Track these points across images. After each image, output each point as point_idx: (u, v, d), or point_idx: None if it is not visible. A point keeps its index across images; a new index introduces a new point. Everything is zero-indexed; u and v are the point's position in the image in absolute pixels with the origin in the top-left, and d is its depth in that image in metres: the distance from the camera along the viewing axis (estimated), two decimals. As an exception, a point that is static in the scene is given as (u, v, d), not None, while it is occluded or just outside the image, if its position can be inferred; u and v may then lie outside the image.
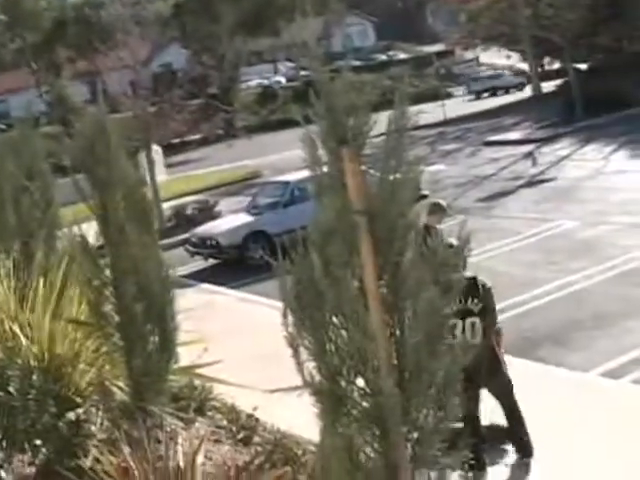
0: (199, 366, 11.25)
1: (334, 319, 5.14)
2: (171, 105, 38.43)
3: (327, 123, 5.09)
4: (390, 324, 5.14)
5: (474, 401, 9.35)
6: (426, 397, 5.12)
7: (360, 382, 5.22)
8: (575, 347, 13.45)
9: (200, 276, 23.29)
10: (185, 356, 11.33)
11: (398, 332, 5.15)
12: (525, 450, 9.75)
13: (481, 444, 9.23)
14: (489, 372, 9.48)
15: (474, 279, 9.45)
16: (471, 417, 8.88)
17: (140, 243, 8.58)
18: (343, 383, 5.15)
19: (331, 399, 5.10)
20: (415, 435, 5.20)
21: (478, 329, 9.12)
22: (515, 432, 9.86)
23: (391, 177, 5.11)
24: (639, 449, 9.46)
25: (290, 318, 5.24)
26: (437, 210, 13.55)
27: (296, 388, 5.31)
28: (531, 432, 9.70)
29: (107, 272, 8.86)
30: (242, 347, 14.38)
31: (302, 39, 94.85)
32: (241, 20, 69.05)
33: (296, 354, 5.29)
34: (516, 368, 12.56)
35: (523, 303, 15.57)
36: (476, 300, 9.26)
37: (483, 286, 9.59)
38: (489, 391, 9.80)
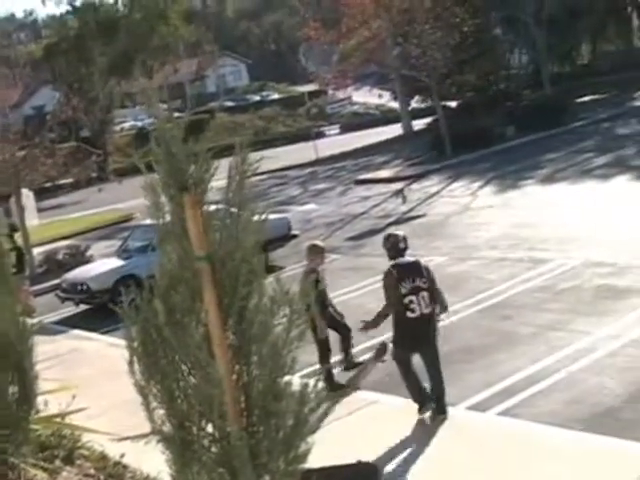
0: (65, 414, 11.10)
1: (181, 366, 5.14)
2: (41, 149, 37.82)
3: (167, 170, 5.09)
4: (236, 369, 5.16)
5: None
6: (275, 440, 5.13)
7: (209, 428, 5.21)
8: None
9: (71, 322, 22.95)
10: (54, 404, 11.19)
11: (245, 376, 5.17)
12: (443, 409, 12.06)
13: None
14: (429, 339, 12.08)
15: (417, 262, 12.17)
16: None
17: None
18: (192, 429, 5.14)
19: (180, 445, 5.09)
20: (267, 478, 5.21)
21: (427, 301, 11.91)
22: (440, 393, 12.12)
23: (233, 223, 5.14)
24: (496, 475, 9.63)
25: (137, 366, 5.22)
26: (319, 251, 14.29)
27: (144, 436, 5.28)
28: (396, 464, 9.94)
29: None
30: (112, 392, 14.16)
31: (176, 81, 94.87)
32: (113, 62, 68.76)
33: (146, 401, 5.26)
34: (384, 404, 12.80)
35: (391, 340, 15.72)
36: (423, 278, 11.92)
37: (425, 267, 12.14)
38: (423, 357, 12.16)
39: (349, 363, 14.39)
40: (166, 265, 5.15)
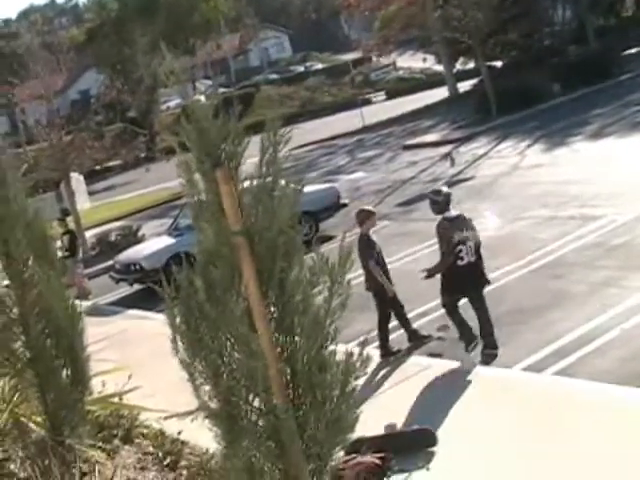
0: (122, 394, 11.20)
1: (224, 341, 5.14)
2: (88, 132, 38.13)
3: (199, 146, 5.07)
4: (279, 342, 5.16)
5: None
6: (321, 412, 5.13)
7: (256, 402, 5.22)
8: (498, 343, 13.56)
9: (127, 302, 23.17)
10: (112, 384, 11.31)
11: (288, 349, 5.16)
12: (494, 344, 13.19)
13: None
14: (475, 285, 13.27)
15: (462, 215, 13.36)
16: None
17: (44, 277, 8.51)
18: (238, 404, 5.15)
19: (227, 420, 5.10)
20: (315, 449, 5.21)
21: (473, 250, 13.02)
22: (488, 331, 13.20)
23: (268, 195, 5.12)
24: (560, 439, 9.56)
25: (180, 343, 5.23)
26: (369, 216, 14.22)
27: (191, 412, 5.30)
28: (457, 429, 9.94)
29: (14, 309, 8.79)
30: (169, 370, 14.28)
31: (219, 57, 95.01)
32: (155, 42, 68.84)
33: (191, 378, 5.28)
34: (438, 369, 12.79)
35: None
36: (469, 230, 13.06)
37: (469, 219, 13.31)
38: (470, 301, 13.38)
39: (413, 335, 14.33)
40: (203, 242, 5.15)
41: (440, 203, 13.30)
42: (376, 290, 13.86)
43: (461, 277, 13.10)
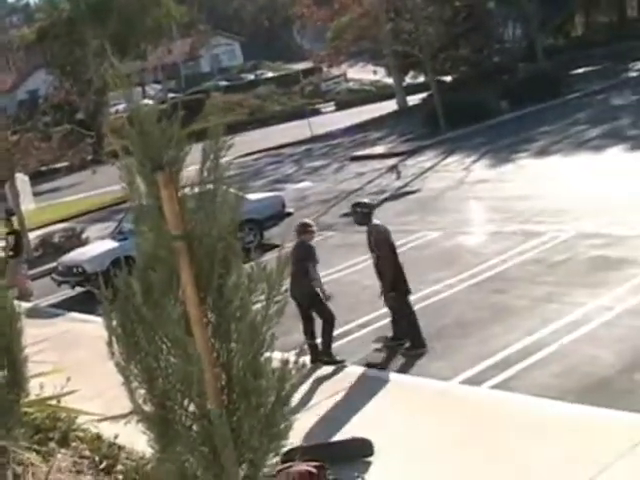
0: (59, 396, 11.12)
1: (160, 345, 5.14)
2: (35, 133, 37.76)
3: (141, 149, 5.07)
4: (216, 347, 5.16)
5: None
6: (256, 418, 5.14)
7: (190, 407, 5.22)
8: (438, 356, 13.65)
9: (68, 305, 22.99)
10: (50, 386, 11.22)
11: (224, 354, 5.17)
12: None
13: None
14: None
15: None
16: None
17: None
18: (173, 408, 5.15)
19: (161, 424, 5.09)
20: (249, 456, 5.22)
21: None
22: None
23: (209, 201, 5.12)
24: (494, 453, 9.64)
25: (116, 346, 5.22)
26: (306, 229, 14.36)
27: (125, 416, 5.29)
28: (394, 439, 10.02)
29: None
30: (107, 374, 14.19)
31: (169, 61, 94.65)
32: (106, 44, 68.42)
33: (127, 381, 5.26)
34: (382, 379, 12.85)
35: (388, 315, 15.80)
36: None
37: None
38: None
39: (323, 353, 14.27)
40: (143, 245, 5.15)
41: (368, 214, 14.03)
42: (310, 296, 13.85)
43: (404, 275, 13.86)
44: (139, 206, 5.20)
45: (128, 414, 5.26)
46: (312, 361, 13.65)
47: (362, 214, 14.14)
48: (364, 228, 14.37)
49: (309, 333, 14.05)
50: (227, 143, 5.15)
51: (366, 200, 14.77)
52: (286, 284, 5.53)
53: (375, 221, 14.13)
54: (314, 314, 14.09)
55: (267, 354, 5.24)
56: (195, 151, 5.43)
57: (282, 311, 5.28)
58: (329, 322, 13.92)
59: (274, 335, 5.28)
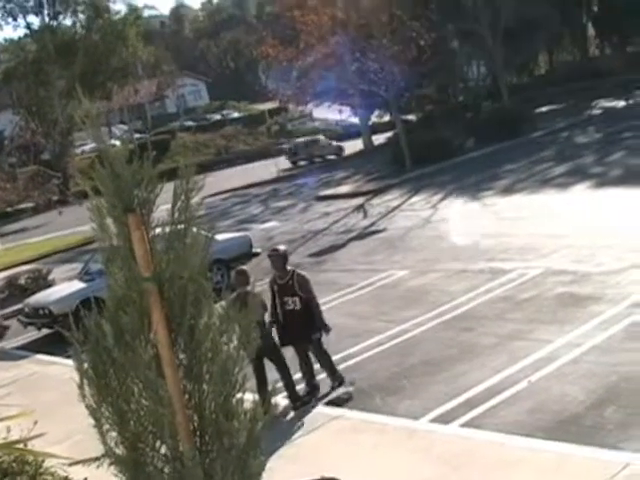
0: (27, 440, 11.00)
1: (132, 387, 5.11)
2: (1, 173, 37.70)
3: (112, 190, 5.07)
4: (188, 389, 5.15)
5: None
6: (228, 459, 5.12)
7: (162, 449, 5.19)
8: (406, 395, 13.64)
9: (34, 347, 22.81)
10: (17, 430, 11.10)
11: (196, 396, 5.15)
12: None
13: None
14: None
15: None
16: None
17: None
18: (145, 450, 5.12)
19: (133, 467, 5.06)
20: (221, 497, 5.19)
21: None
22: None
23: (179, 242, 5.12)
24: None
25: (87, 388, 5.19)
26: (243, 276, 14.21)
27: (97, 459, 5.25)
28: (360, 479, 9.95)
29: None
30: (76, 416, 14.05)
31: (135, 102, 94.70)
32: (72, 84, 68.39)
33: (98, 423, 5.23)
34: (349, 419, 12.82)
35: (356, 354, 15.82)
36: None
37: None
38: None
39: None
40: (113, 287, 5.14)
41: (285, 258, 14.41)
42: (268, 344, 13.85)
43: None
44: (110, 247, 5.20)
45: (100, 457, 5.21)
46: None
47: (285, 257, 14.47)
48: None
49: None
50: (198, 184, 5.16)
51: (281, 247, 15.01)
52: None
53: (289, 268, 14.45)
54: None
55: (239, 395, 5.23)
56: (164, 192, 5.44)
57: (254, 353, 5.28)
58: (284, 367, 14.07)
59: (245, 376, 5.27)
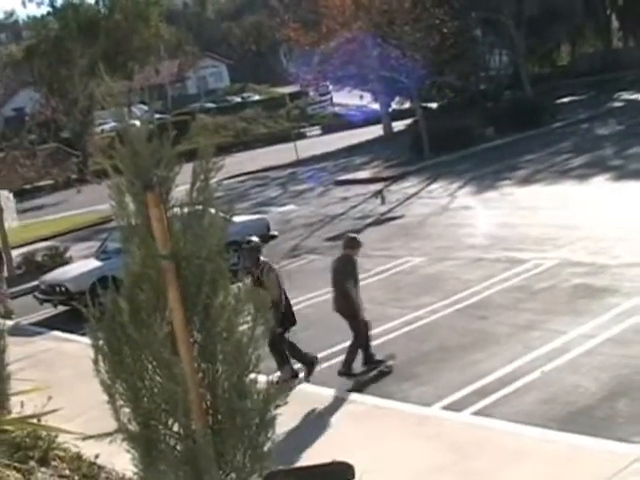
0: (40, 415, 11.07)
1: (146, 364, 5.14)
2: (20, 150, 37.72)
3: (131, 169, 5.09)
4: (201, 367, 5.17)
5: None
6: (240, 438, 5.14)
7: (175, 426, 5.22)
8: (420, 381, 13.66)
9: (50, 323, 22.90)
10: (30, 405, 11.17)
11: (210, 375, 5.18)
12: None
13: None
14: None
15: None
16: None
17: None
18: (157, 428, 5.14)
19: (145, 444, 5.09)
20: (233, 476, 5.22)
21: None
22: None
23: (197, 222, 5.14)
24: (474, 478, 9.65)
25: (102, 365, 5.22)
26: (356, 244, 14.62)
27: (109, 434, 5.28)
28: (376, 464, 9.94)
29: None
30: (90, 393, 14.13)
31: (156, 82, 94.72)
32: (93, 63, 68.41)
33: (112, 400, 5.26)
34: (362, 404, 12.85)
35: (376, 337, 15.82)
36: None
37: None
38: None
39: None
40: (131, 264, 5.16)
41: (260, 251, 14.54)
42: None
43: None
44: (128, 225, 5.22)
45: (113, 432, 5.25)
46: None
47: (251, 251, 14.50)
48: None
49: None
50: (217, 164, 5.17)
51: (254, 238, 14.97)
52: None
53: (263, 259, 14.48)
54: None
55: (252, 375, 5.25)
56: (182, 172, 5.45)
57: (267, 333, 5.30)
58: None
59: (260, 356, 5.29)
